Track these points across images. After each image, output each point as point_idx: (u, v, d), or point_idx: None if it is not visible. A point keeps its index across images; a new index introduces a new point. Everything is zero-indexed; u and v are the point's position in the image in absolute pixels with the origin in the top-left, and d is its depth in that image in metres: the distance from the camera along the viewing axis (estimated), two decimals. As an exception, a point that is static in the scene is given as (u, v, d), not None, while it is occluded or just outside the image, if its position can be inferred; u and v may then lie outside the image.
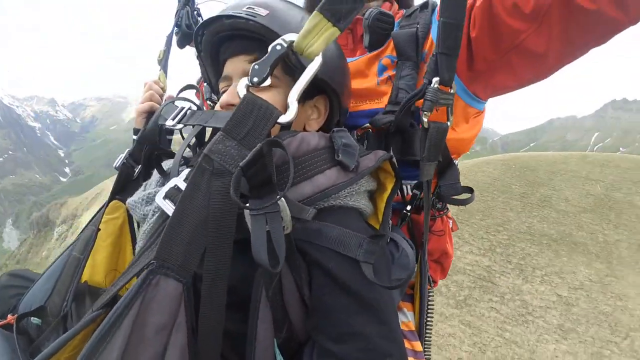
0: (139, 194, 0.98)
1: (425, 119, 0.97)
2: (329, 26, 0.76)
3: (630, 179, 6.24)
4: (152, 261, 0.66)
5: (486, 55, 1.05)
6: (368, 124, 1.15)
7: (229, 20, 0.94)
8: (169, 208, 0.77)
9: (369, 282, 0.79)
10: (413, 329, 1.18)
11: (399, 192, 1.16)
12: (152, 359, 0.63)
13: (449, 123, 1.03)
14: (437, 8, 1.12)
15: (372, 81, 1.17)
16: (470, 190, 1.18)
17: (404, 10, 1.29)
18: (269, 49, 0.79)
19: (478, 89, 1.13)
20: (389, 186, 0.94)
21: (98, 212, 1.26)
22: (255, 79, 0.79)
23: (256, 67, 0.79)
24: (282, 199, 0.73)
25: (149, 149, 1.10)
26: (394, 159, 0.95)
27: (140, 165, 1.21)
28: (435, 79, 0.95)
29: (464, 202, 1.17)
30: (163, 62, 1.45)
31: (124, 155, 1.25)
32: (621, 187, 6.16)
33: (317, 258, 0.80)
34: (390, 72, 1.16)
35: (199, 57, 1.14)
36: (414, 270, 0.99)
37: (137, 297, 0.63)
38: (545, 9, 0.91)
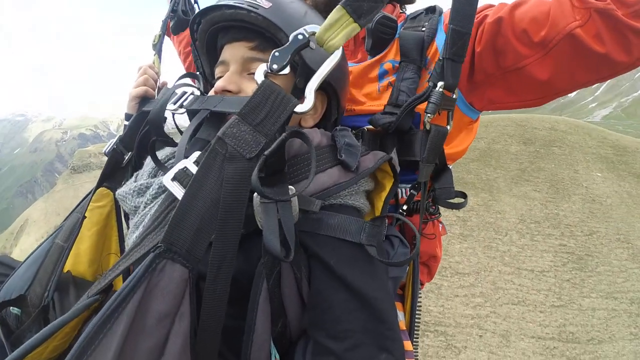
0: (129, 185, 0.95)
1: (428, 122, 0.99)
2: (351, 22, 0.77)
3: (507, 134, 7.90)
4: (159, 244, 0.63)
5: (487, 69, 1.07)
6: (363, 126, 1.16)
7: (229, 11, 0.91)
8: (178, 190, 0.72)
9: (370, 279, 0.79)
10: (404, 328, 1.18)
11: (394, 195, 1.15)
12: (153, 348, 0.60)
13: (448, 127, 1.04)
14: (444, 15, 1.15)
15: (373, 87, 1.18)
16: (463, 195, 1.19)
17: (406, 14, 1.31)
18: (290, 38, 0.78)
19: (474, 99, 1.15)
20: (388, 186, 0.94)
21: (84, 198, 1.21)
22: (275, 66, 0.77)
23: (276, 54, 0.77)
24: (293, 188, 0.74)
25: (147, 133, 1.08)
26: (394, 160, 0.95)
27: (130, 153, 1.18)
28: (440, 83, 0.97)
29: (457, 206, 1.17)
30: (158, 46, 1.43)
31: (114, 140, 1.21)
32: (500, 140, 7.83)
33: (317, 252, 0.79)
34: (391, 77, 1.16)
35: (193, 45, 1.11)
36: (408, 262, 1.05)
37: (141, 281, 0.59)
38: (554, 42, 0.95)
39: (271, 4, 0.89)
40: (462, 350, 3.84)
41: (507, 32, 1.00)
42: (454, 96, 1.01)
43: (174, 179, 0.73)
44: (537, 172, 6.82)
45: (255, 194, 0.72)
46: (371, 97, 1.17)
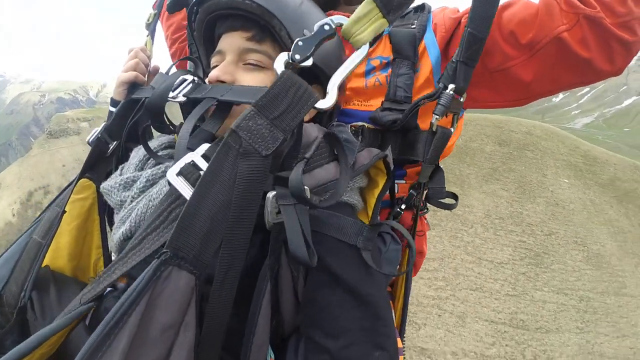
0: (115, 179, 0.91)
1: (435, 123, 0.97)
2: (380, 16, 0.74)
3: (484, 133, 8.13)
4: (164, 250, 0.58)
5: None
6: (363, 122, 1.14)
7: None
8: (185, 188, 0.65)
9: (366, 276, 0.78)
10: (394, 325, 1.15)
11: (389, 191, 1.14)
12: None
13: (452, 129, 1.02)
14: (432, 13, 1.17)
15: (359, 82, 1.16)
16: (454, 196, 1.18)
17: None
18: (315, 27, 0.74)
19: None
20: (381, 183, 0.92)
21: (63, 191, 1.13)
22: (298, 56, 0.71)
23: (300, 43, 0.72)
24: (308, 189, 0.70)
25: (138, 122, 1.03)
26: (388, 158, 0.92)
27: (115, 142, 1.10)
28: (451, 86, 0.95)
29: (449, 207, 1.17)
30: (152, 26, 1.32)
31: (99, 129, 1.12)
32: (477, 139, 7.97)
33: (317, 249, 0.74)
34: (379, 73, 1.15)
35: (190, 35, 1.07)
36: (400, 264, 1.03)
37: (145, 291, 0.55)
38: (541, 45, 0.96)
39: None
40: (422, 326, 4.14)
41: (495, 33, 1.01)
42: (462, 99, 0.99)
43: (179, 174, 0.66)
44: (507, 172, 7.13)
45: (270, 193, 0.69)
46: (357, 92, 1.17)
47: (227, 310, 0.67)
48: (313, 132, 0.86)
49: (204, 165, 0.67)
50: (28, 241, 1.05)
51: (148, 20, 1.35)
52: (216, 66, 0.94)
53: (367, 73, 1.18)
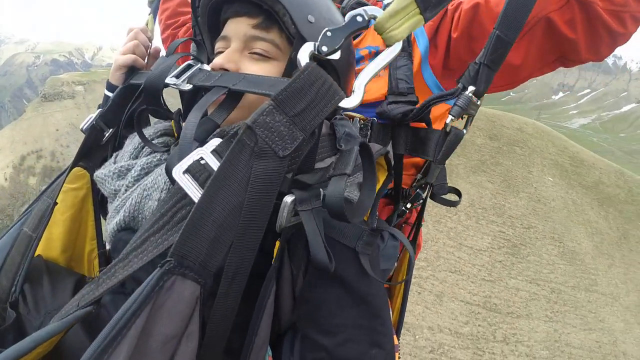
0: (108, 167, 0.89)
1: (449, 123, 0.94)
2: (417, 12, 0.70)
3: (477, 126, 8.46)
4: (168, 258, 0.55)
5: (461, 56, 1.07)
6: (374, 117, 1.12)
7: None
8: (193, 189, 0.60)
9: (363, 275, 0.77)
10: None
11: (395, 186, 1.14)
12: None
13: (465, 131, 1.00)
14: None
15: None
16: (458, 192, 1.17)
17: (383, 2, 1.25)
18: (347, 18, 0.69)
19: (450, 85, 1.13)
20: (381, 179, 0.90)
21: (55, 180, 1.09)
22: (325, 48, 0.66)
23: (329, 34, 0.67)
24: (322, 192, 0.68)
25: (135, 107, 0.99)
26: (390, 154, 0.90)
27: (111, 130, 1.05)
28: (471, 88, 0.90)
29: (453, 204, 1.15)
30: (155, 4, 1.24)
31: (94, 116, 1.06)
32: (468, 131, 8.29)
33: None
34: (367, 62, 1.13)
35: (194, 18, 1.01)
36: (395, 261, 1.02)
37: (146, 303, 0.53)
38: (530, 25, 0.95)
39: None
40: None
41: (483, 18, 1.00)
42: (479, 102, 0.95)
43: (186, 171, 0.61)
44: (494, 166, 7.37)
45: (288, 198, 0.66)
46: None
47: (231, 316, 0.64)
48: (354, 146, 0.82)
49: (214, 163, 0.62)
50: (19, 233, 1.01)
51: None
52: (220, 52, 0.90)
53: (357, 62, 1.14)
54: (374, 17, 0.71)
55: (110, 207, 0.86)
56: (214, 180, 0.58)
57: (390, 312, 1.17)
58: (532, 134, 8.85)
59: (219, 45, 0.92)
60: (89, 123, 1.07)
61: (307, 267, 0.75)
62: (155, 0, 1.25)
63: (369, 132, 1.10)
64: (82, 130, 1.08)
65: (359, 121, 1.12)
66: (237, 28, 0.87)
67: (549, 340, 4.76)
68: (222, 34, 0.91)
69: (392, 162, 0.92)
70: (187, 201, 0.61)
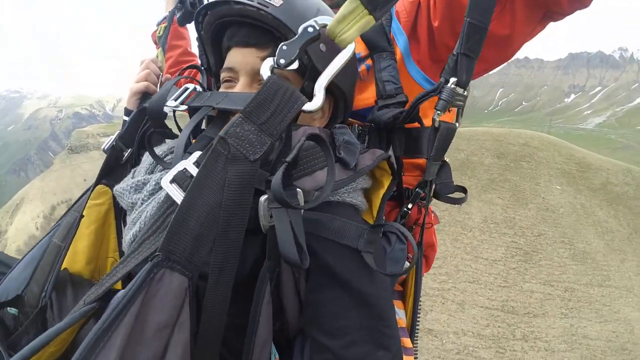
0: (127, 182, 0.93)
1: (437, 119, 0.94)
2: (365, 14, 0.73)
3: (484, 147, 9.11)
4: (157, 253, 0.60)
5: (448, 43, 1.02)
6: (361, 122, 1.12)
7: (238, 7, 0.87)
8: (177, 194, 0.67)
9: (367, 277, 0.78)
10: (404, 325, 1.15)
11: (397, 189, 1.10)
12: (151, 359, 0.58)
13: (457, 124, 0.99)
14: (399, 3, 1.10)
15: None
16: (463, 190, 1.16)
17: None
18: (299, 30, 0.73)
19: (436, 76, 1.10)
20: (386, 184, 0.92)
21: (81, 196, 1.18)
22: (282, 61, 0.72)
23: (284, 47, 0.72)
24: (300, 191, 0.72)
25: (147, 128, 1.03)
26: (392, 159, 0.92)
27: (129, 150, 1.14)
28: (453, 79, 0.90)
29: (459, 201, 1.14)
30: (162, 39, 1.35)
31: (113, 137, 1.15)
32: (477, 153, 8.91)
33: (316, 250, 0.76)
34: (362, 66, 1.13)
35: (198, 38, 1.06)
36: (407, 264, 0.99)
37: (139, 292, 0.57)
38: None
39: (282, 2, 0.85)
40: (429, 312, 5.09)
41: None
42: (465, 93, 0.94)
43: (172, 181, 0.69)
44: (503, 182, 7.96)
45: (262, 197, 0.70)
46: None
47: (223, 310, 0.67)
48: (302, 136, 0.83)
49: (195, 171, 0.68)
50: (48, 244, 1.10)
51: (159, 33, 1.40)
52: (227, 80, 0.95)
53: None
54: (325, 25, 0.75)
55: (128, 220, 0.88)
56: (193, 184, 0.63)
57: (404, 314, 1.18)
58: (538, 147, 9.33)
59: (224, 75, 0.95)
60: (109, 144, 1.16)
61: (309, 268, 0.74)
62: (163, 36, 1.37)
63: (366, 138, 1.11)
64: (103, 150, 1.17)
65: (357, 127, 1.12)
66: (245, 60, 0.90)
67: (565, 335, 5.17)
68: (228, 64, 0.94)
69: (396, 166, 0.94)
70: (175, 207, 0.66)
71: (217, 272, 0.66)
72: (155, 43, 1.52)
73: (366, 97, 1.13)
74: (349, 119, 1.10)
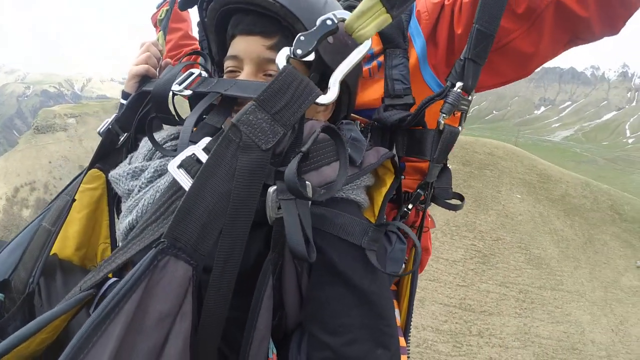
0: (123, 167, 0.90)
1: (442, 122, 0.94)
2: (383, 12, 0.73)
3: (451, 154, 8.53)
4: (162, 239, 0.59)
5: None
6: (365, 119, 1.11)
7: None
8: (185, 180, 0.66)
9: (370, 275, 0.78)
10: (399, 324, 1.15)
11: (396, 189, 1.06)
12: (151, 349, 0.56)
13: (460, 128, 1.00)
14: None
15: None
16: (460, 197, 1.17)
17: None
18: (318, 22, 0.72)
19: None
20: (388, 182, 0.91)
21: (74, 180, 1.13)
22: (300, 51, 0.71)
23: (302, 38, 0.72)
24: (309, 184, 0.71)
25: (146, 113, 1.03)
26: (396, 158, 0.92)
27: (126, 134, 1.10)
28: (459, 84, 0.92)
29: (455, 208, 1.14)
30: (164, 22, 1.32)
31: (110, 120, 1.11)
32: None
33: (321, 246, 0.75)
34: (373, 63, 1.12)
35: (201, 23, 1.04)
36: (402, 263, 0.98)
37: (141, 279, 0.55)
38: (538, 11, 0.92)
39: None
40: None
41: None
42: (470, 98, 0.96)
43: (180, 166, 0.67)
44: (466, 188, 8.28)
45: (271, 188, 0.69)
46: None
47: (226, 302, 0.66)
48: (317, 127, 0.81)
49: (204, 158, 0.67)
50: (37, 228, 1.06)
51: (160, 16, 1.36)
52: (231, 70, 0.93)
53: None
54: (343, 20, 0.75)
55: (124, 207, 0.86)
56: (203, 171, 0.62)
57: (398, 314, 1.18)
58: (502, 157, 9.72)
59: (228, 64, 0.93)
60: (105, 127, 1.12)
61: (312, 264, 0.76)
62: (165, 18, 1.34)
63: (368, 135, 1.10)
64: (99, 133, 1.13)
65: (359, 124, 1.11)
66: (250, 48, 0.88)
67: (519, 333, 5.53)
68: (233, 52, 0.92)
69: (399, 165, 0.92)
70: (182, 192, 0.65)
71: (223, 262, 0.64)
72: (156, 26, 1.49)
73: (373, 95, 1.13)
74: (352, 115, 1.11)
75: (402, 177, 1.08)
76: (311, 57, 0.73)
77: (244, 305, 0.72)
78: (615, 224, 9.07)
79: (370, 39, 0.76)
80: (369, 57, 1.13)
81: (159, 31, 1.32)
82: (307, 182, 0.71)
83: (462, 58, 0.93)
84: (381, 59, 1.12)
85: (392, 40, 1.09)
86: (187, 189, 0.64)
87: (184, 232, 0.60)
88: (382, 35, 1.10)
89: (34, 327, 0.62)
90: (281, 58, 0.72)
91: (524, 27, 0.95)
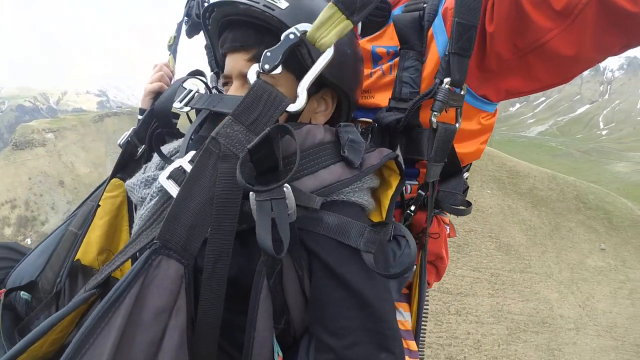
0: (138, 177, 0.95)
1: (434, 120, 0.94)
2: (343, 19, 0.74)
3: None
4: (154, 241, 0.64)
5: (501, 54, 0.96)
6: (371, 120, 1.09)
7: (243, 7, 0.86)
8: (173, 188, 0.72)
9: (367, 278, 0.78)
10: (409, 328, 1.15)
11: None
12: (150, 342, 0.61)
13: (457, 125, 0.98)
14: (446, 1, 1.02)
15: (365, 71, 1.09)
16: (468, 203, 1.13)
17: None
18: (282, 37, 0.77)
19: (488, 91, 1.05)
20: (394, 184, 0.91)
21: (98, 187, 1.21)
22: (267, 66, 0.76)
23: (268, 54, 0.76)
24: (288, 186, 0.72)
25: (156, 127, 1.06)
26: (400, 158, 0.90)
27: (143, 145, 1.17)
28: (447, 80, 0.91)
29: (460, 212, 1.11)
30: (173, 47, 1.43)
31: (128, 132, 1.20)
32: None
33: (316, 250, 0.78)
34: (385, 64, 1.10)
35: (205, 33, 1.10)
36: (412, 267, 0.93)
37: (137, 277, 0.61)
38: (580, 8, 0.83)
39: (288, 4, 0.84)
40: None
41: (524, 3, 0.87)
42: (462, 92, 0.94)
43: (169, 177, 0.74)
44: None
45: (252, 192, 0.70)
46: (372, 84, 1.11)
47: (219, 301, 0.70)
48: (319, 134, 0.86)
49: (189, 168, 0.73)
50: (64, 233, 1.14)
51: (169, 42, 1.43)
52: (225, 84, 0.99)
53: (375, 62, 1.14)
54: (305, 32, 0.77)
55: (136, 216, 0.89)
56: (187, 179, 0.69)
57: (410, 317, 1.17)
58: None
59: (222, 80, 1.00)
60: (125, 139, 1.20)
61: (311, 267, 0.79)
62: (174, 44, 1.41)
63: (369, 137, 1.08)
64: (119, 145, 1.20)
65: (359, 126, 1.11)
66: (234, 64, 0.92)
67: (493, 310, 5.97)
68: (224, 70, 0.96)
69: (403, 166, 0.92)
70: (171, 201, 0.69)
71: (212, 263, 0.69)
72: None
73: (381, 99, 1.11)
74: (361, 119, 1.12)
75: (416, 182, 1.12)
76: (278, 70, 0.78)
77: (247, 310, 0.76)
78: (581, 212, 9.65)
79: (332, 46, 0.78)
80: (392, 55, 1.11)
81: (169, 55, 1.42)
82: (286, 185, 0.73)
83: (446, 53, 0.94)
84: (396, 61, 1.09)
85: (407, 40, 1.05)
86: (174, 196, 0.70)
87: (174, 234, 0.66)
88: (398, 34, 1.06)
89: (45, 327, 0.66)
90: (252, 74, 0.79)
91: (563, 25, 0.86)
